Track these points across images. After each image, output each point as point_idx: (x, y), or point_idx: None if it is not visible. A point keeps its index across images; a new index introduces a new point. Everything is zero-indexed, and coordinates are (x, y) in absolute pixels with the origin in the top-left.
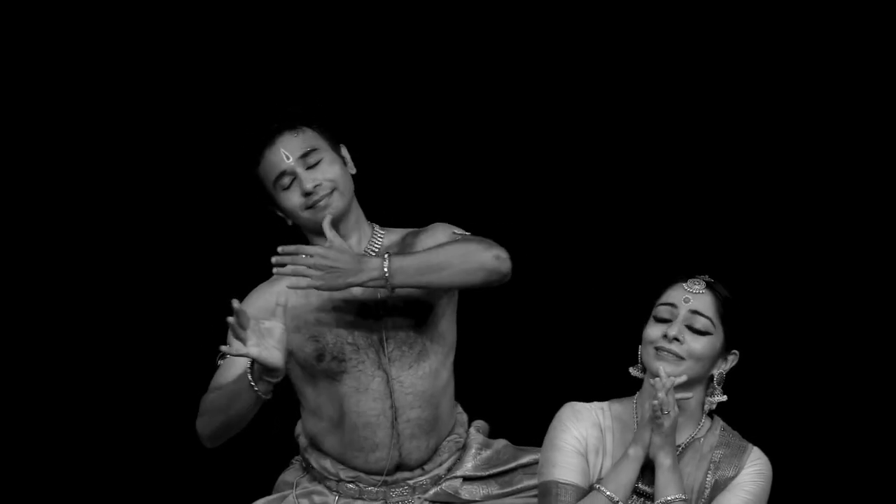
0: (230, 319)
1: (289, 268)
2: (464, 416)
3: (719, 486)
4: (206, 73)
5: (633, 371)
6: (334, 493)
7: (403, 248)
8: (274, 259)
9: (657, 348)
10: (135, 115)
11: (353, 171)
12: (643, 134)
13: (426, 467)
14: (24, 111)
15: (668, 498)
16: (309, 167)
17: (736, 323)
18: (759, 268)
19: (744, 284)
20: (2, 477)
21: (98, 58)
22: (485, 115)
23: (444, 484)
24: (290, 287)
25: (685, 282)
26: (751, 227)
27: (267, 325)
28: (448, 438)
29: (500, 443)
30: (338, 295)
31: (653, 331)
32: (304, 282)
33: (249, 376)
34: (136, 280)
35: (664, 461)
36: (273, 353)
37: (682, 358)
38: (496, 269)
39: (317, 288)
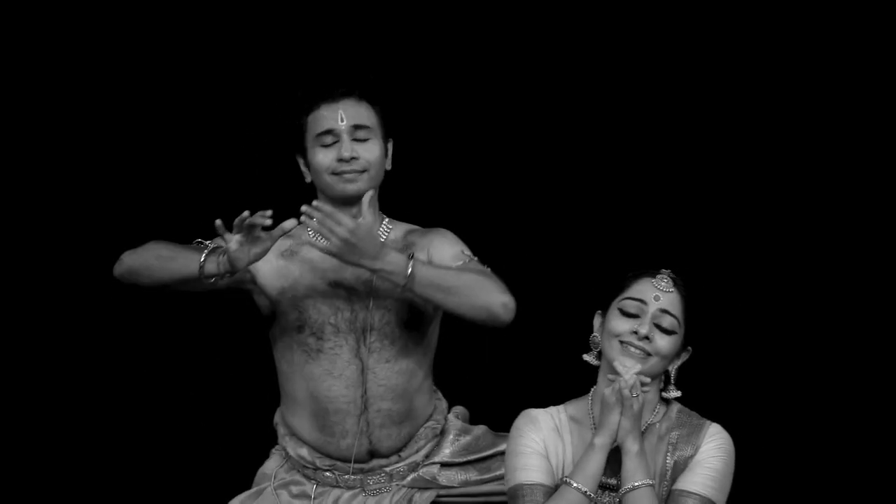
0: (246, 212)
1: (315, 222)
2: (443, 403)
3: (679, 467)
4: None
5: (587, 357)
6: (312, 481)
7: (406, 247)
8: (304, 207)
9: (623, 342)
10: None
11: (389, 167)
12: (611, 132)
13: (402, 454)
14: (50, 97)
15: (636, 483)
16: (355, 139)
17: (695, 321)
18: (706, 263)
19: (695, 281)
20: None
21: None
22: (471, 113)
23: (421, 470)
24: (308, 243)
25: (653, 278)
26: (703, 222)
27: (259, 234)
28: (425, 425)
29: (480, 429)
30: (332, 275)
31: (620, 324)
32: (322, 243)
33: (205, 252)
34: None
35: (632, 447)
36: (242, 257)
37: (649, 355)
38: (498, 317)
39: (331, 254)
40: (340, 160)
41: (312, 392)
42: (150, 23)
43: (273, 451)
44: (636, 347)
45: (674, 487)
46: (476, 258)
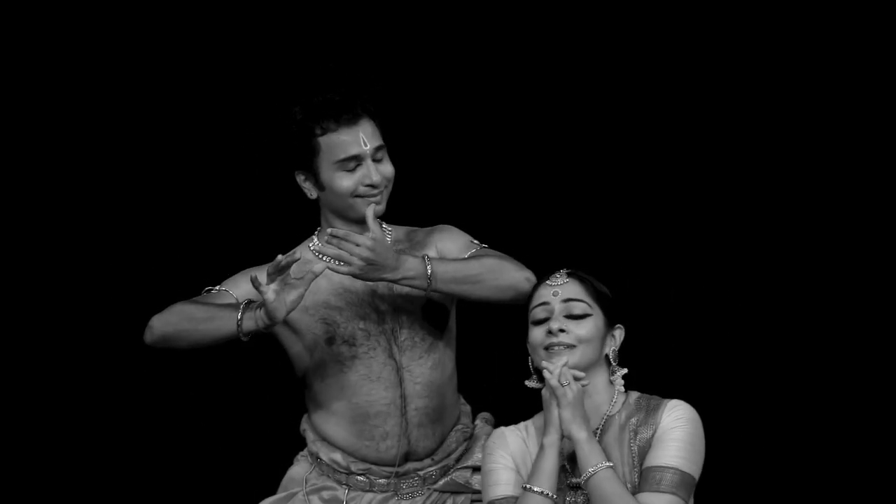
0: (280, 257)
1: (333, 250)
2: (467, 408)
3: (644, 450)
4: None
5: (529, 383)
6: (344, 486)
7: (412, 247)
8: (321, 243)
9: (546, 348)
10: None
11: None
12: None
13: (435, 457)
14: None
15: (592, 469)
16: (376, 160)
17: (609, 300)
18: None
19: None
20: (4, 477)
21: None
22: (474, 113)
23: (454, 474)
24: (330, 269)
25: (547, 279)
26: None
27: (291, 281)
28: (455, 428)
29: None
30: (347, 282)
31: (536, 334)
32: (344, 269)
33: (242, 308)
34: (133, 275)
35: (578, 435)
36: (280, 307)
37: (573, 345)
38: (525, 292)
39: (353, 276)
40: (370, 185)
41: (351, 400)
42: (140, 36)
43: (299, 456)
44: (557, 345)
45: (643, 466)
46: (485, 245)
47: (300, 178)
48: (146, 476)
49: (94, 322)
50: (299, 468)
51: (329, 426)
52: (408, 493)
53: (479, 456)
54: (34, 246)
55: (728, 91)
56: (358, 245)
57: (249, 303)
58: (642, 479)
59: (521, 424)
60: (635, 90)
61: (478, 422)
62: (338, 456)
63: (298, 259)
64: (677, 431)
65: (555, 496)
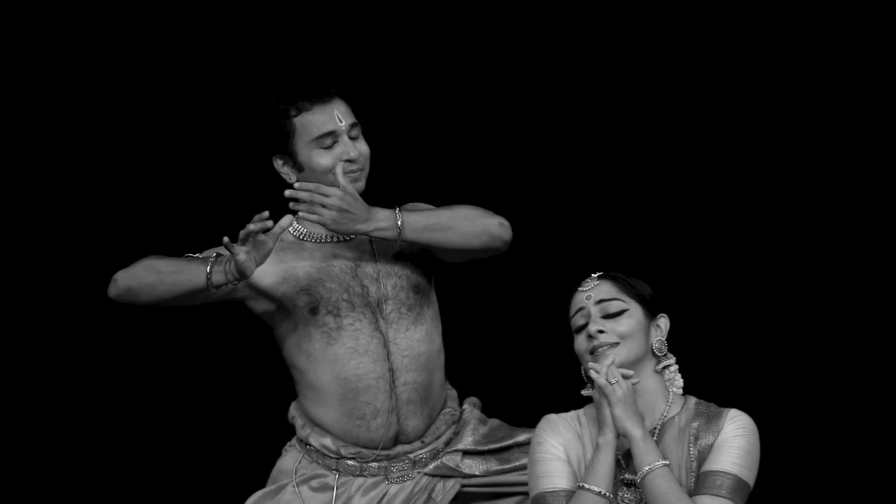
0: (250, 226)
1: (303, 204)
2: (454, 392)
3: (703, 456)
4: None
5: (585, 392)
6: (334, 471)
7: None
8: (288, 192)
9: (591, 352)
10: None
11: None
12: (636, 133)
13: (424, 440)
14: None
15: (648, 467)
16: (351, 138)
17: (645, 291)
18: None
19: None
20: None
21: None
22: (476, 104)
23: (444, 457)
24: (301, 217)
25: (579, 286)
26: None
27: (260, 238)
28: (443, 412)
29: (495, 422)
30: (330, 256)
31: (579, 341)
32: (314, 217)
33: (212, 260)
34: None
35: (633, 432)
36: (251, 264)
37: (616, 343)
38: (499, 236)
39: (324, 225)
40: (348, 160)
41: (339, 374)
42: (116, 31)
43: (287, 446)
44: (600, 346)
45: (701, 470)
46: None
47: (278, 164)
48: (135, 470)
49: (80, 316)
50: (288, 458)
51: (319, 408)
52: (398, 478)
53: (470, 439)
54: (16, 240)
55: (750, 90)
56: (328, 196)
57: (219, 256)
58: (699, 482)
59: (572, 413)
60: (638, 91)
61: (466, 406)
62: (328, 441)
63: (270, 225)
64: (739, 440)
65: (611, 495)
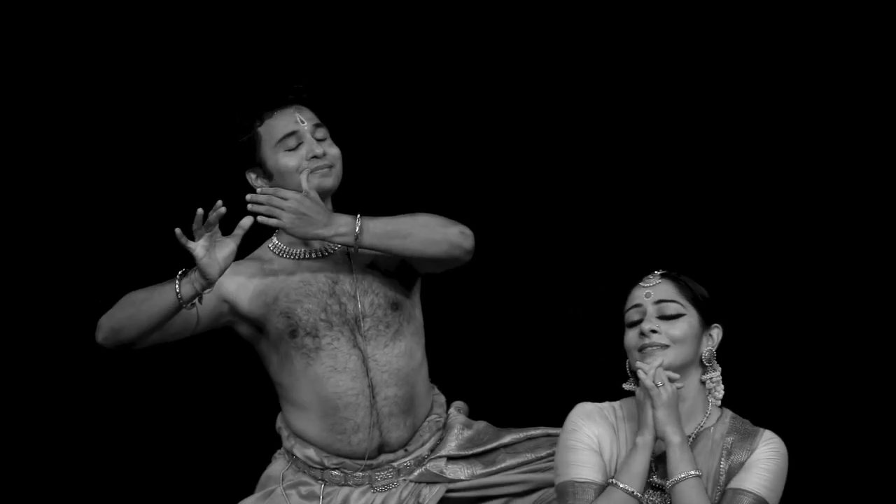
0: (200, 210)
1: (263, 207)
2: (441, 398)
3: (733, 472)
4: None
5: (626, 386)
6: (320, 481)
7: None
8: (249, 196)
9: (641, 349)
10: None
11: None
12: (639, 131)
13: (408, 448)
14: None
15: (682, 475)
16: (318, 139)
17: (705, 299)
18: (750, 252)
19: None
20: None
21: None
22: (460, 109)
23: (428, 464)
24: (261, 222)
25: (641, 281)
26: (736, 215)
27: (221, 238)
28: (428, 419)
29: (481, 424)
30: (307, 273)
31: (630, 336)
32: (273, 221)
33: (178, 277)
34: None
35: (672, 438)
36: (213, 264)
37: (666, 345)
38: (459, 244)
39: (284, 229)
40: (314, 157)
41: (319, 393)
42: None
43: (277, 454)
44: (650, 345)
45: (728, 486)
46: None
47: (251, 178)
48: (125, 477)
49: (70, 323)
50: (277, 465)
51: (301, 422)
52: (383, 486)
53: (453, 444)
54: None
55: (719, 88)
56: (286, 199)
57: (185, 272)
58: (724, 497)
59: (607, 405)
60: (634, 90)
61: (451, 410)
62: (311, 452)
63: (223, 211)
64: (770, 463)
65: (641, 497)
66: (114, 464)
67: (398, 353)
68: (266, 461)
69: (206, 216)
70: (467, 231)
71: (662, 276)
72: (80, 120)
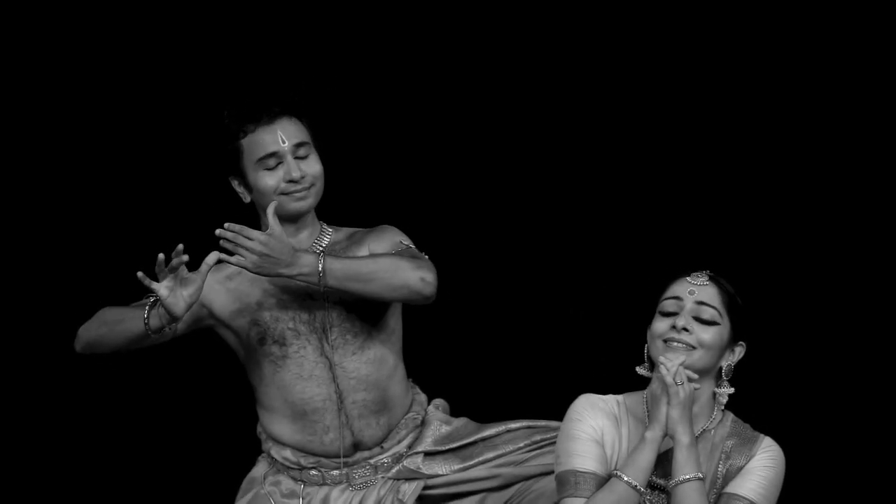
0: (161, 255)
1: (228, 244)
2: (422, 396)
3: (731, 476)
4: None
5: (640, 370)
6: (299, 481)
7: (350, 246)
8: (218, 231)
9: (666, 340)
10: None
11: None
12: (640, 129)
13: (385, 445)
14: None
15: (686, 476)
16: (298, 157)
17: (741, 314)
18: (763, 263)
19: (748, 279)
20: None
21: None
22: (445, 114)
23: (405, 461)
24: (223, 259)
25: (688, 276)
26: (753, 223)
27: (186, 275)
28: (406, 416)
29: (461, 420)
30: (279, 282)
31: (660, 325)
32: (234, 260)
33: (147, 307)
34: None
35: (682, 438)
36: (178, 302)
37: (693, 347)
38: (419, 291)
39: (247, 269)
40: (290, 181)
41: (287, 398)
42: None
43: (260, 457)
44: (678, 341)
45: (724, 490)
46: (413, 247)
47: (234, 184)
48: (112, 480)
49: (53, 326)
50: (259, 468)
51: (274, 425)
52: (361, 483)
53: (430, 440)
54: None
55: (716, 89)
56: (251, 239)
57: (156, 301)
58: (720, 501)
59: (611, 398)
60: (632, 89)
61: (430, 407)
62: (287, 453)
63: (185, 258)
64: (768, 470)
65: (644, 492)
66: (100, 466)
67: (367, 360)
68: (251, 464)
69: (168, 260)
70: (429, 278)
71: (711, 278)
72: (80, 120)
